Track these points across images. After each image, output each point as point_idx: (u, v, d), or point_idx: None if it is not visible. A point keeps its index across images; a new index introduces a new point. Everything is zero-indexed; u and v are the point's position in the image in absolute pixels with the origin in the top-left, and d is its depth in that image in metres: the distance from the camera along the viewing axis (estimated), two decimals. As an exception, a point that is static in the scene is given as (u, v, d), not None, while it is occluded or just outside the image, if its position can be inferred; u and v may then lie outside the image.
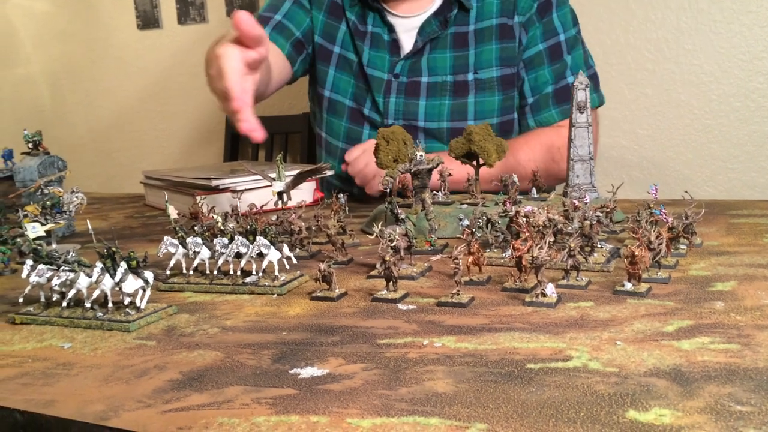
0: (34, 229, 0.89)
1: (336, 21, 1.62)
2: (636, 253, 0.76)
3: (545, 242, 0.78)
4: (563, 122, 1.51)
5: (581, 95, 1.12)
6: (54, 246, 1.00)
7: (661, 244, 0.81)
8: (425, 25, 1.55)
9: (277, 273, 0.88)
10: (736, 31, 1.91)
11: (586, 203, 0.94)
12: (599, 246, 0.91)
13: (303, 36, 1.64)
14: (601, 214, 0.92)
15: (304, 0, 1.65)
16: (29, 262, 0.80)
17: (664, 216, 0.88)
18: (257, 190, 1.40)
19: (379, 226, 0.89)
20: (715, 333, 0.65)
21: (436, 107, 1.55)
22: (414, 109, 1.56)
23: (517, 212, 0.92)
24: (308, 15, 1.64)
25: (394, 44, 1.58)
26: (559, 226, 0.87)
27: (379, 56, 1.58)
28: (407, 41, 1.58)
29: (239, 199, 1.24)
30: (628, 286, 0.78)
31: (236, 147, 2.56)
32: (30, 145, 1.31)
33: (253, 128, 1.01)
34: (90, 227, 0.84)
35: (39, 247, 0.81)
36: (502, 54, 1.53)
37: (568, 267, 0.82)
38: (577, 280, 0.82)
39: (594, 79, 1.56)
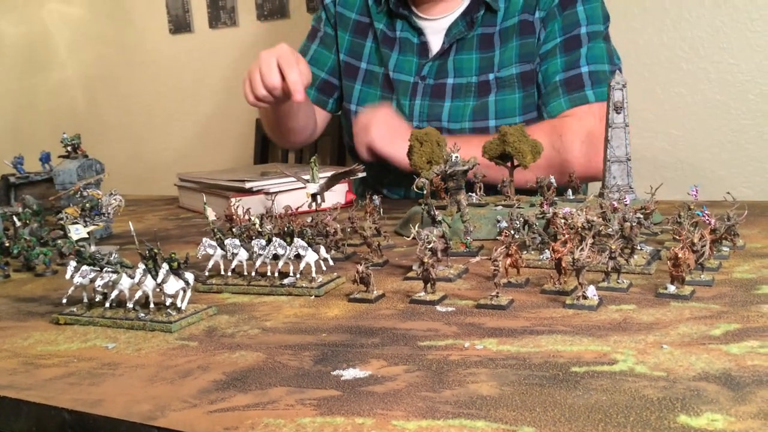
0: (77, 231, 0.90)
1: (362, 39, 1.67)
2: (679, 255, 0.75)
3: (586, 244, 0.77)
4: (570, 111, 1.46)
5: (618, 95, 1.11)
6: (93, 248, 1.02)
7: (704, 246, 0.80)
8: (452, 27, 1.55)
9: (314, 274, 0.88)
10: (774, 28, 1.87)
11: (626, 205, 0.93)
12: (639, 248, 0.89)
13: (330, 74, 1.73)
14: (641, 216, 0.91)
15: (328, 31, 1.73)
16: (72, 263, 0.82)
17: (706, 217, 0.87)
18: (290, 192, 1.41)
19: (416, 228, 0.88)
20: (764, 337, 0.64)
21: (460, 108, 1.55)
22: (438, 111, 1.57)
23: (555, 214, 0.92)
24: (332, 48, 1.72)
25: (423, 47, 1.59)
26: (599, 228, 0.86)
27: (407, 60, 1.60)
28: (435, 43, 1.59)
29: (273, 201, 1.24)
30: (672, 288, 0.76)
31: (266, 149, 2.57)
32: (69, 148, 1.34)
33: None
34: (132, 229, 0.85)
35: (82, 249, 0.82)
36: (522, 50, 1.51)
37: (609, 269, 0.81)
38: (618, 282, 0.81)
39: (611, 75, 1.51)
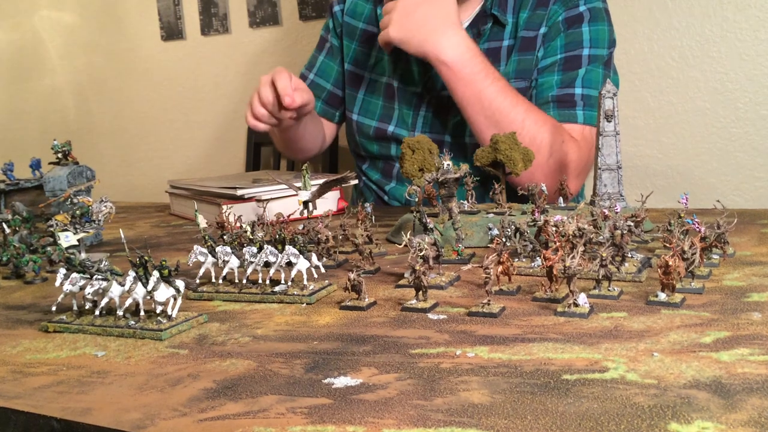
0: (67, 238, 0.90)
1: (367, 48, 1.66)
2: (670, 263, 0.75)
3: (577, 252, 0.78)
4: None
5: (609, 104, 1.11)
6: (83, 255, 1.01)
7: (694, 253, 0.80)
8: None
9: (305, 282, 0.88)
10: (763, 38, 1.89)
11: (617, 212, 0.93)
12: (630, 256, 0.90)
13: (336, 86, 1.73)
14: (631, 224, 0.91)
15: (334, 41, 1.73)
16: (62, 270, 0.81)
17: (696, 225, 0.87)
18: (282, 199, 1.40)
19: (408, 236, 0.88)
20: (754, 344, 0.64)
21: (463, 122, 1.52)
22: (442, 124, 1.55)
23: (546, 222, 0.92)
24: (337, 60, 1.72)
25: None
26: (590, 236, 0.86)
27: (413, 71, 1.58)
28: None
29: (264, 208, 1.24)
30: (662, 296, 0.77)
31: (258, 156, 2.57)
32: (59, 155, 1.33)
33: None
34: (123, 236, 0.85)
35: (72, 256, 0.82)
36: (519, 66, 1.50)
37: (600, 277, 0.81)
38: (609, 290, 0.81)
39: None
